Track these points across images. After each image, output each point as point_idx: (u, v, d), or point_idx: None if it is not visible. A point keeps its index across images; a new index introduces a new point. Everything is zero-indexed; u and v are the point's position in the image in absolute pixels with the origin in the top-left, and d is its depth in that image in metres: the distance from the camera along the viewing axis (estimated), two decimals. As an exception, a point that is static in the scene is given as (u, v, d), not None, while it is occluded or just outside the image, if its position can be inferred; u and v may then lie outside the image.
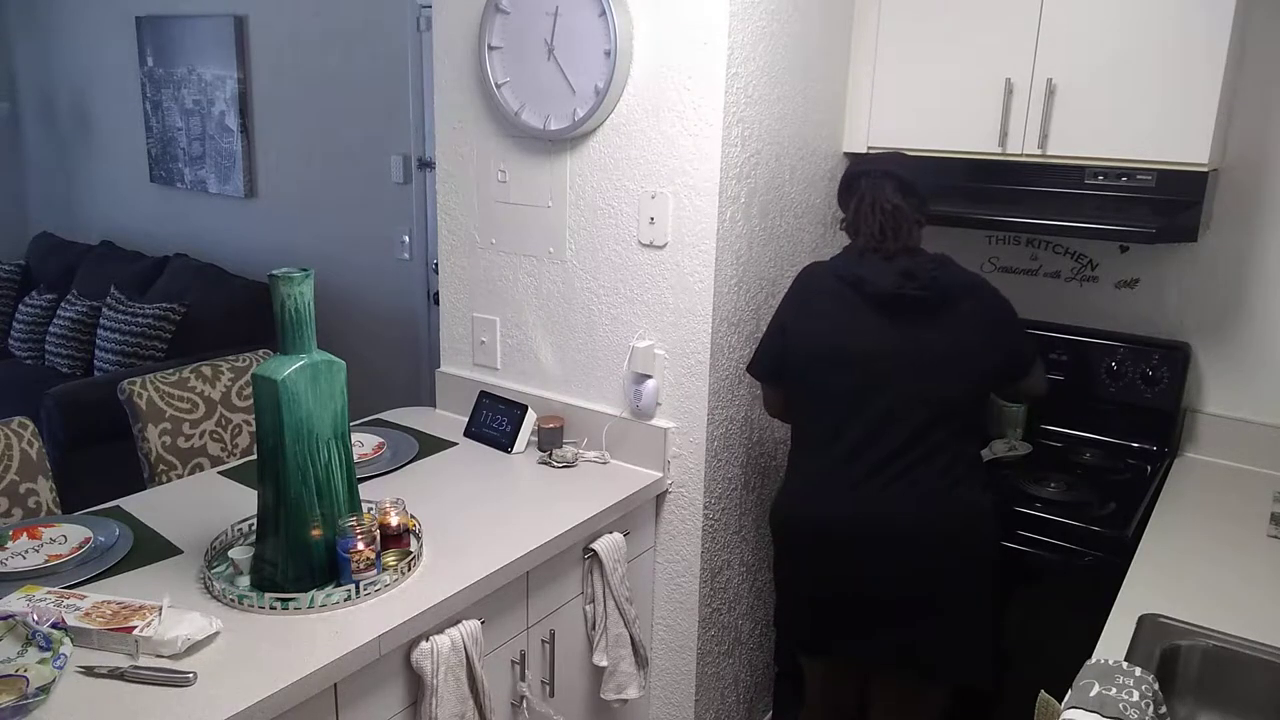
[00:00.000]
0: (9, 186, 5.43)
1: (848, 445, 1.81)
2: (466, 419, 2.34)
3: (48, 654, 1.32)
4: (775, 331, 1.95)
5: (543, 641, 1.90)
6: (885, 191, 1.84)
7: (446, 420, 2.42)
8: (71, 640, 1.36)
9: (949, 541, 1.77)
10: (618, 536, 2.01)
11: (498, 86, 2.18)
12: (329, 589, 1.54)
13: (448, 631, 1.59)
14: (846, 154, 2.39)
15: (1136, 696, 1.25)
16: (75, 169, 5.19)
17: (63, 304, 4.26)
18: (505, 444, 2.23)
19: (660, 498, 2.17)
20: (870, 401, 1.79)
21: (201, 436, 2.32)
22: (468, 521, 1.85)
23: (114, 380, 2.37)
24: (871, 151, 2.30)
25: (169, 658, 1.37)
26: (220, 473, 2.11)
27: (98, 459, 2.97)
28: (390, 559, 1.63)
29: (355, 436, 2.12)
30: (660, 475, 2.12)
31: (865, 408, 1.80)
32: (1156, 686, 1.28)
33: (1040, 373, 2.02)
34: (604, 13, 1.96)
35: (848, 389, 1.81)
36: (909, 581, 1.79)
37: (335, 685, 1.43)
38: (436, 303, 2.67)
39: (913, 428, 1.77)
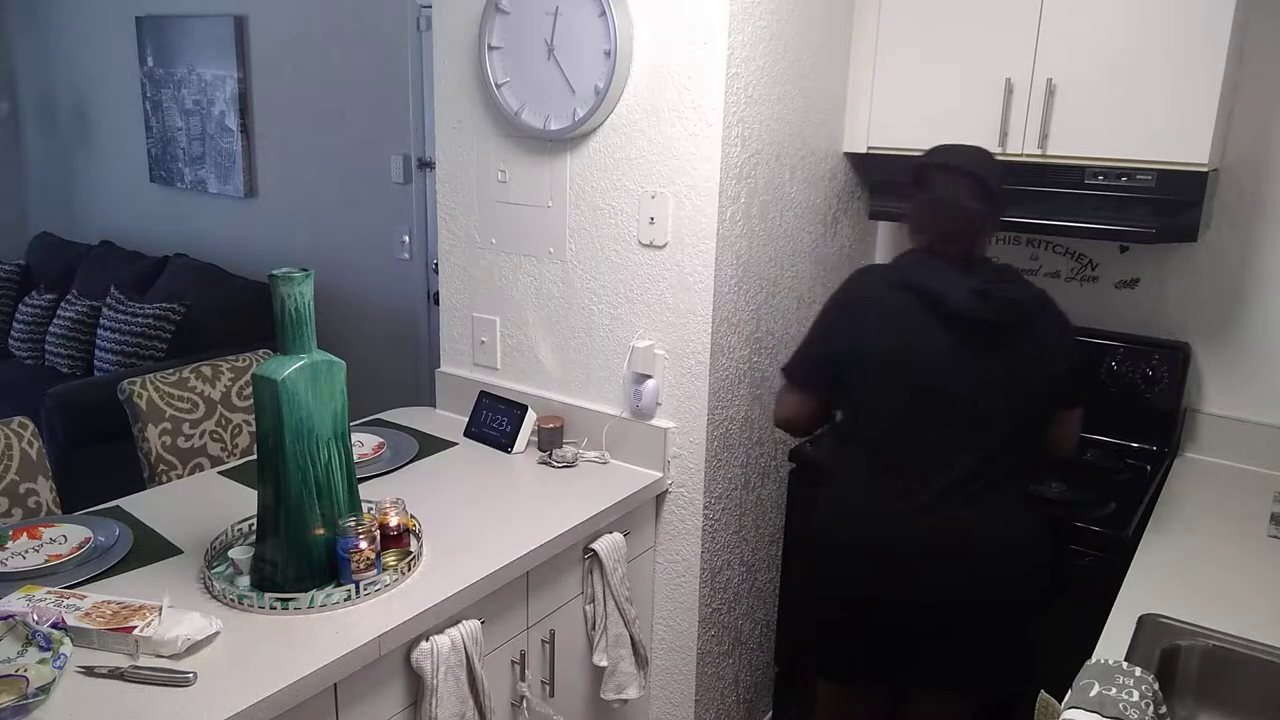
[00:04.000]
0: (9, 186, 5.43)
1: (916, 467, 1.71)
2: (466, 419, 2.34)
3: (48, 654, 1.32)
4: (820, 339, 1.82)
5: (543, 641, 1.90)
6: (961, 193, 1.69)
7: (446, 420, 2.42)
8: (71, 640, 1.36)
9: (1017, 564, 1.73)
10: (618, 536, 2.01)
11: (498, 86, 2.18)
12: (329, 589, 1.54)
13: (448, 631, 1.59)
14: (847, 154, 2.39)
15: (1136, 696, 1.25)
16: (75, 169, 5.18)
17: (63, 304, 4.26)
18: (505, 444, 2.23)
19: (660, 498, 2.17)
20: (940, 423, 1.70)
21: (201, 436, 2.32)
22: (468, 521, 1.85)
23: (114, 380, 2.37)
24: (942, 146, 1.92)
25: (169, 658, 1.37)
26: (220, 473, 2.11)
27: (98, 459, 2.97)
28: (390, 559, 1.63)
29: (355, 436, 2.12)
30: (660, 475, 2.12)
31: (934, 429, 1.70)
32: (1156, 686, 1.28)
33: (1081, 412, 1.84)
34: (604, 13, 1.96)
35: (914, 409, 1.71)
36: (973, 603, 1.73)
37: (335, 685, 1.43)
38: (436, 303, 2.67)
39: (985, 452, 1.69)
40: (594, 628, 2.02)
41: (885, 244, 2.68)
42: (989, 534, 1.71)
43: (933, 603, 1.73)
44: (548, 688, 1.93)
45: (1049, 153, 2.08)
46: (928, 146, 1.81)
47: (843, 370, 1.78)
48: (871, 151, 2.34)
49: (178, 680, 1.32)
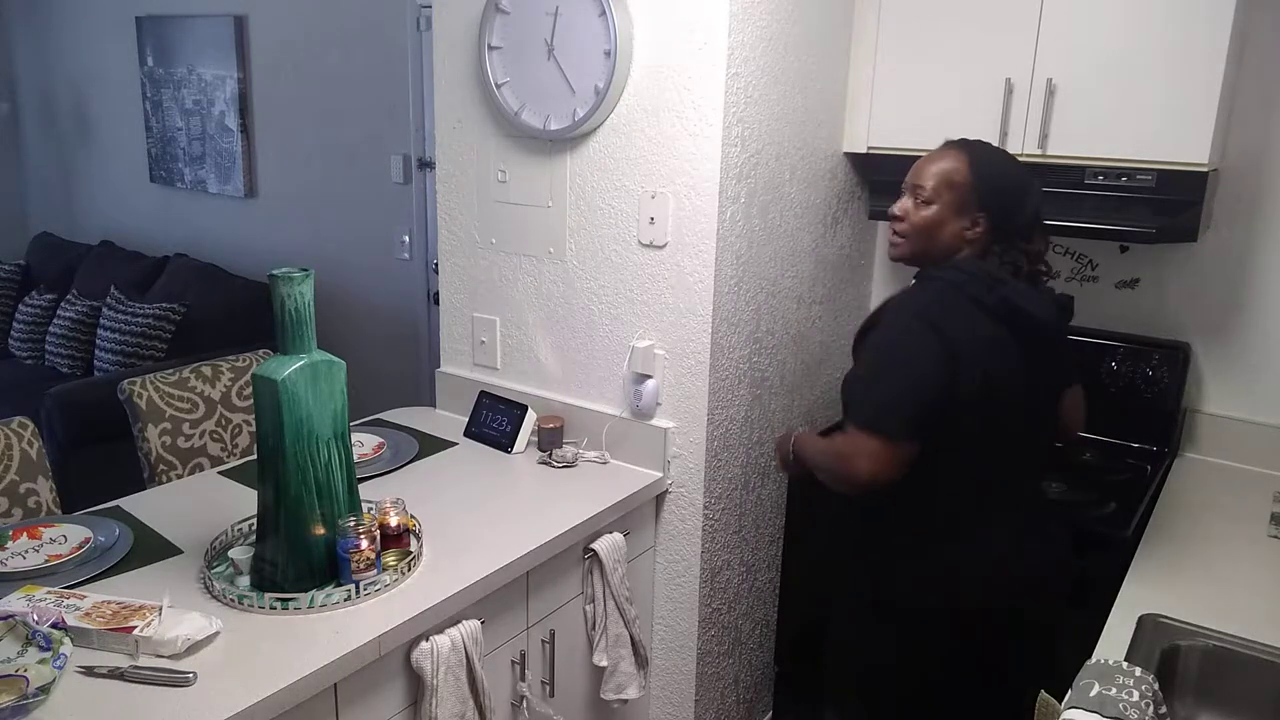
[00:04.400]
0: (9, 186, 5.43)
1: (1019, 502, 1.68)
2: (466, 419, 2.34)
3: (48, 654, 1.32)
4: (912, 373, 1.55)
5: (543, 641, 1.90)
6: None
7: (446, 420, 2.42)
8: (71, 640, 1.36)
9: (1070, 571, 1.76)
10: (618, 536, 2.01)
11: (498, 86, 2.18)
12: (329, 589, 1.54)
13: (448, 631, 1.59)
14: (847, 154, 2.39)
15: (1136, 696, 1.25)
16: (75, 169, 5.18)
17: (63, 304, 4.26)
18: (505, 444, 2.23)
19: (660, 498, 2.17)
20: (1028, 446, 1.67)
21: (201, 436, 2.32)
22: (468, 521, 1.85)
23: (114, 380, 2.37)
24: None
25: (169, 658, 1.37)
26: (220, 473, 2.11)
27: (98, 459, 2.97)
28: (390, 559, 1.63)
29: (355, 436, 2.11)
30: (660, 475, 2.12)
31: (1027, 456, 1.68)
32: (1156, 686, 1.28)
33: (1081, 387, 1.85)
34: (604, 13, 1.96)
35: (1019, 441, 1.63)
36: (1044, 626, 1.74)
37: (335, 685, 1.43)
38: (436, 303, 2.67)
39: (1043, 468, 1.71)
40: (594, 628, 2.02)
41: (885, 244, 2.67)
42: (1058, 553, 1.72)
43: (1023, 635, 1.71)
44: (548, 688, 1.93)
45: (1049, 153, 2.07)
46: (928, 147, 1.73)
47: (953, 409, 1.55)
48: (871, 151, 2.34)
49: (178, 680, 1.32)
